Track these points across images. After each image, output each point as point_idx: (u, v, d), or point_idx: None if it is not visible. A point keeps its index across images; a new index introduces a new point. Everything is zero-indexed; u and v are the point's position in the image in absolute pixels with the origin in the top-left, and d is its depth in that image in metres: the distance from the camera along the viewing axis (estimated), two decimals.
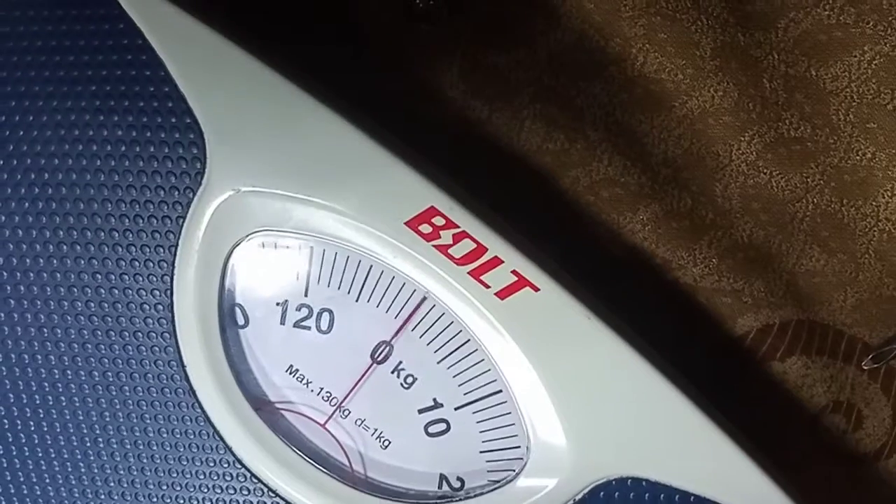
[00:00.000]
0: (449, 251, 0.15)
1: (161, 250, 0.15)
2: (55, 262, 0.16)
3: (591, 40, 0.19)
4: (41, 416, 0.17)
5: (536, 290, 0.15)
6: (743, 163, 0.19)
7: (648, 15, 0.18)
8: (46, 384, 0.17)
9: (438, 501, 0.17)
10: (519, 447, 0.16)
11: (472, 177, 0.18)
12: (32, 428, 0.17)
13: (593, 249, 0.20)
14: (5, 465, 0.18)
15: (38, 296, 0.16)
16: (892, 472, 0.20)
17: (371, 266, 0.16)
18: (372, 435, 0.17)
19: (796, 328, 0.19)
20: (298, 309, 0.16)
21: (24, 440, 0.18)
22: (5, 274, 0.16)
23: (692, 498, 0.16)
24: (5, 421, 0.17)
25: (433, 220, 0.15)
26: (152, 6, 0.15)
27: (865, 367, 0.19)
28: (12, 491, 0.18)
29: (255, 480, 0.17)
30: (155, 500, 0.18)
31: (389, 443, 0.17)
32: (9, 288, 0.16)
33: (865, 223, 0.19)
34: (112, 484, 0.18)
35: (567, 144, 0.19)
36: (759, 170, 0.19)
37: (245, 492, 0.17)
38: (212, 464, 0.17)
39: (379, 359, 0.17)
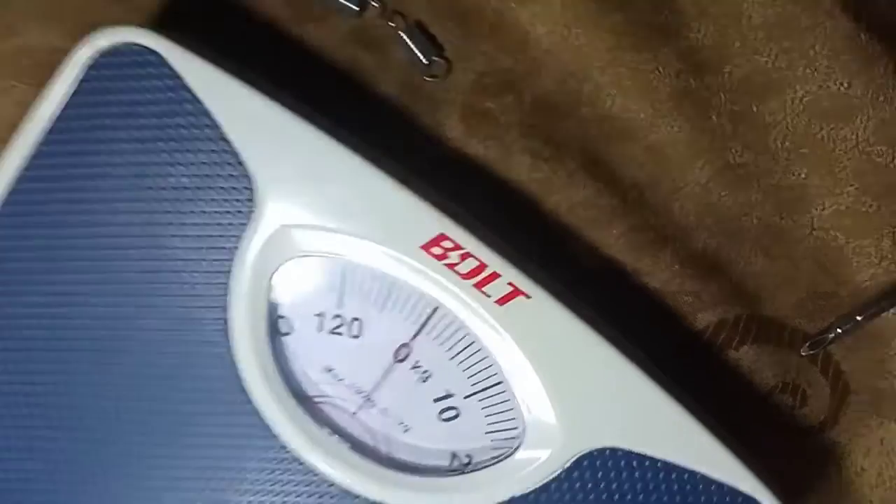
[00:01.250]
0: (456, 268, 0.18)
1: (219, 275, 0.19)
2: (135, 283, 0.19)
3: (568, 86, 0.22)
4: (112, 413, 0.20)
5: (528, 297, 0.18)
6: (697, 185, 0.22)
7: (615, 66, 0.22)
8: (119, 387, 0.20)
9: (450, 474, 0.20)
10: (517, 427, 0.20)
11: (472, 203, 0.21)
12: (100, 426, 0.20)
13: (575, 260, 0.23)
14: (71, 457, 0.21)
15: (117, 312, 0.19)
16: (833, 442, 0.23)
17: (393, 282, 0.19)
18: (394, 421, 0.20)
19: (747, 322, 0.22)
20: (333, 318, 0.20)
21: (89, 436, 0.21)
22: (96, 295, 0.19)
23: (659, 463, 0.19)
24: (81, 416, 0.20)
25: (443, 244, 0.18)
26: (205, 72, 0.18)
27: (804, 354, 0.22)
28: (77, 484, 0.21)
29: (299, 462, 0.20)
30: (212, 486, 0.21)
31: (409, 427, 0.20)
32: (98, 306, 0.19)
33: (801, 232, 0.22)
34: (169, 474, 0.21)
35: (550, 173, 0.22)
36: (711, 191, 0.22)
37: (290, 473, 0.20)
38: (261, 451, 0.20)
39: (400, 358, 0.20)
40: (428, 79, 0.22)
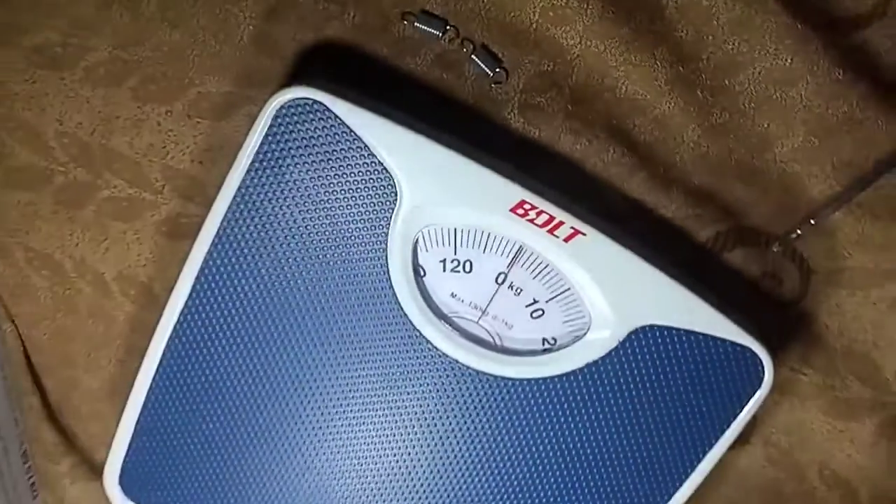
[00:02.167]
0: (534, 221, 0.26)
1: (381, 244, 0.27)
2: (328, 264, 0.27)
3: (594, 80, 0.28)
4: (306, 347, 0.28)
5: (585, 234, 0.26)
6: (691, 141, 0.29)
7: (626, 63, 0.28)
8: (316, 332, 0.28)
9: (542, 353, 0.28)
10: (585, 317, 0.27)
11: (537, 172, 0.28)
12: (296, 359, 0.28)
13: (612, 204, 0.29)
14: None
15: (317, 286, 0.27)
16: (805, 310, 0.30)
17: (490, 233, 0.27)
18: (501, 322, 0.28)
19: (735, 232, 0.29)
20: (451, 261, 0.27)
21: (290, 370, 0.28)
22: (301, 281, 0.27)
23: (682, 332, 0.27)
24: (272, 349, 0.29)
25: (524, 206, 0.26)
26: (353, 111, 0.26)
27: (776, 250, 0.29)
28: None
29: (441, 354, 0.28)
30: (371, 390, 0.29)
31: (511, 325, 0.28)
32: (295, 282, 0.28)
33: (768, 166, 0.29)
34: (339, 382, 0.29)
35: (587, 144, 0.29)
36: (701, 144, 0.29)
37: (434, 364, 0.28)
38: (414, 351, 0.28)
39: (500, 282, 0.28)
40: (493, 86, 0.29)
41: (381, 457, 0.30)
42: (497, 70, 0.29)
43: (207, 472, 0.31)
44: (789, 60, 0.28)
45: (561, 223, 0.26)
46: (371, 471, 0.30)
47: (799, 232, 0.29)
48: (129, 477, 0.31)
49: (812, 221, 0.29)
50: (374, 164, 0.27)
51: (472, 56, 0.29)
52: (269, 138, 0.27)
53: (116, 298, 0.32)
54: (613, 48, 0.28)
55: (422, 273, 0.28)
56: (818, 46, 0.28)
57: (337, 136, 0.26)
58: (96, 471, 0.34)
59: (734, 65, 0.28)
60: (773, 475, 0.32)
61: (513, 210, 0.26)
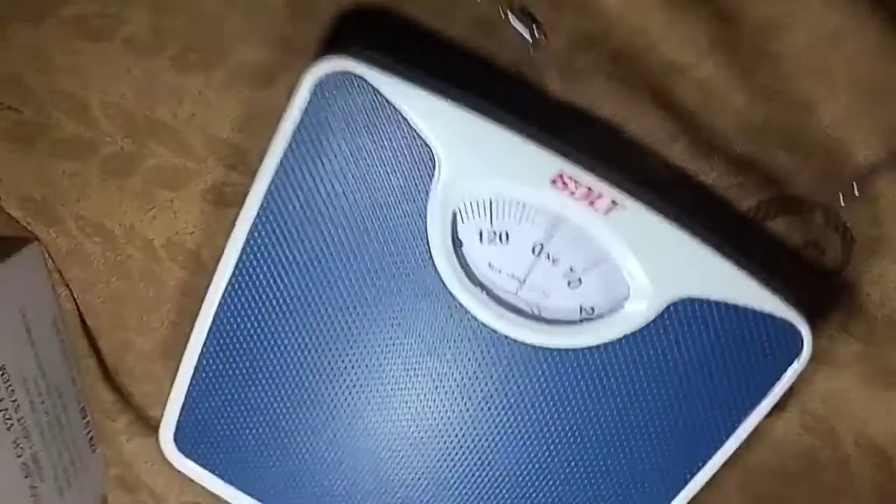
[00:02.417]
0: (573, 193, 0.26)
1: (419, 212, 0.27)
2: (370, 227, 0.28)
3: (634, 41, 0.27)
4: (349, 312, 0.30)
5: (625, 207, 0.25)
6: (732, 106, 0.28)
7: (668, 25, 0.27)
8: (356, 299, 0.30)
9: (580, 322, 0.28)
10: (622, 286, 0.27)
11: (577, 140, 0.27)
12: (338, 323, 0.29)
13: (654, 172, 0.28)
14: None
15: (359, 253, 0.28)
16: (847, 279, 0.30)
17: (527, 205, 0.27)
18: (539, 292, 0.28)
19: (777, 201, 0.28)
20: (489, 233, 0.28)
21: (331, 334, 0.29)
22: (343, 248, 0.28)
23: (721, 304, 0.26)
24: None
25: (563, 178, 0.26)
26: (390, 81, 0.26)
27: (818, 218, 0.28)
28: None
29: (480, 323, 0.28)
30: (411, 357, 0.29)
31: (549, 294, 0.28)
32: (345, 253, 0.28)
33: (811, 131, 0.27)
34: (377, 345, 0.30)
35: (627, 108, 0.28)
36: (742, 109, 0.27)
37: (471, 332, 0.29)
38: (452, 321, 0.29)
39: (537, 252, 0.28)
40: (531, 49, 0.28)
41: (420, 420, 0.31)
42: (535, 33, 0.28)
43: (256, 430, 0.32)
44: (836, 21, 0.27)
45: (600, 196, 0.26)
46: (411, 434, 0.31)
47: (842, 200, 0.28)
48: (182, 433, 0.33)
49: (856, 189, 0.28)
50: (412, 135, 0.27)
51: (509, 17, 0.28)
52: (309, 111, 0.27)
53: (165, 264, 0.33)
54: (655, 9, 0.27)
55: (459, 244, 0.28)
56: (866, 6, 0.26)
57: (374, 107, 0.26)
58: (151, 427, 0.36)
59: (778, 25, 0.27)
60: (809, 442, 0.33)
61: (551, 182, 0.26)
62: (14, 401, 0.33)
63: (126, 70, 0.31)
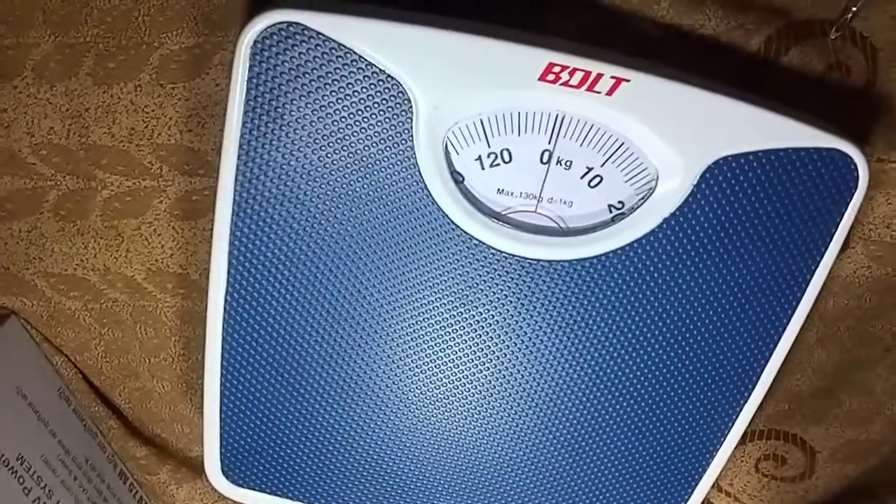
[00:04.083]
0: (569, 83, 0.23)
1: (408, 157, 0.24)
2: (359, 188, 0.25)
3: None
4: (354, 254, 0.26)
5: (628, 80, 0.23)
6: None
7: None
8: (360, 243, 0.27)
9: (614, 221, 0.25)
10: (648, 169, 0.25)
11: (551, 27, 0.25)
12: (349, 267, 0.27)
13: (645, 36, 0.26)
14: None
15: (352, 203, 0.25)
16: (878, 94, 0.27)
17: (522, 112, 0.24)
18: (560, 203, 0.25)
19: (786, 31, 0.26)
20: (488, 156, 0.25)
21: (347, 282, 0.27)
22: (334, 204, 0.25)
23: (761, 153, 0.24)
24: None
25: (553, 70, 0.23)
26: (333, 21, 0.23)
27: (834, 37, 0.26)
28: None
29: (506, 256, 0.26)
30: (441, 314, 0.27)
31: (572, 202, 0.25)
32: (336, 208, 0.25)
33: None
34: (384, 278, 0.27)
35: None
36: None
37: (499, 268, 0.26)
38: (476, 262, 0.26)
39: (545, 161, 0.25)
40: None
41: (468, 376, 0.29)
42: None
43: (301, 436, 0.30)
44: None
45: (599, 76, 0.23)
46: (461, 393, 0.29)
47: (854, 9, 0.25)
48: (229, 464, 0.31)
49: None
50: (375, 74, 0.24)
51: None
52: (255, 80, 0.24)
53: (156, 297, 0.31)
54: None
55: (460, 179, 0.26)
56: None
57: (325, 56, 0.23)
58: (196, 469, 0.33)
59: None
60: (881, 273, 0.30)
61: (541, 78, 0.23)
62: (44, 487, 0.30)
63: (47, 101, 0.27)
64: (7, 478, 0.29)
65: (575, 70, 0.23)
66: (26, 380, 0.31)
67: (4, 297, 0.31)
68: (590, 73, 0.23)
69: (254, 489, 0.31)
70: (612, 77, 0.23)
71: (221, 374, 0.29)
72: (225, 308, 0.28)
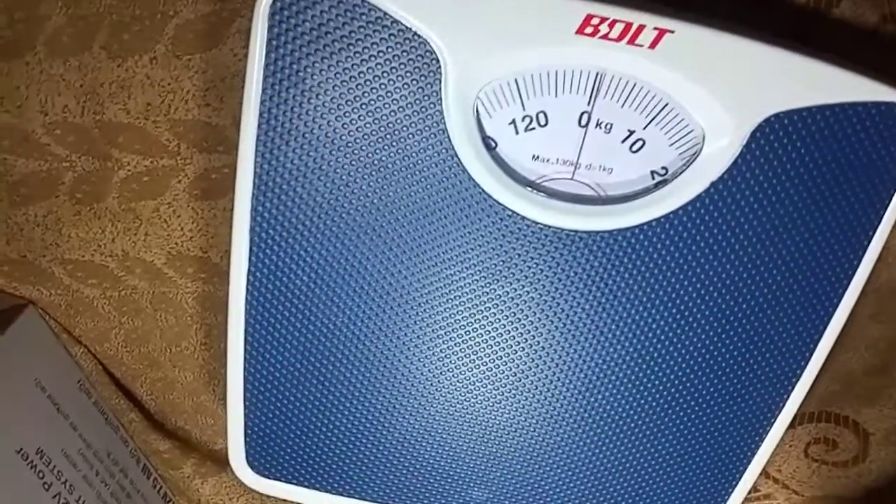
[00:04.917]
0: (609, 35, 0.22)
1: (436, 121, 0.23)
2: (386, 157, 0.24)
3: None
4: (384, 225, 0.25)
5: (673, 31, 0.21)
6: None
7: None
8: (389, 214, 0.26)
9: (657, 188, 0.24)
10: (694, 131, 0.23)
11: None
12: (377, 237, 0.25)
13: None
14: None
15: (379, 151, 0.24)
16: None
17: (557, 70, 0.23)
18: (599, 170, 0.24)
19: None
20: (523, 119, 0.24)
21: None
22: (359, 170, 0.24)
23: (815, 109, 0.22)
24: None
25: (592, 22, 0.21)
26: None
27: None
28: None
29: (542, 227, 0.24)
30: (476, 290, 0.25)
31: (612, 168, 0.24)
32: (365, 159, 0.24)
33: None
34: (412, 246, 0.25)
35: None
36: None
37: (535, 239, 0.25)
38: (511, 234, 0.25)
39: (584, 123, 0.23)
40: None
41: (501, 356, 0.27)
42: None
43: (330, 425, 0.29)
44: None
45: (641, 27, 0.22)
46: (494, 375, 0.28)
47: None
48: (255, 455, 0.30)
49: None
50: (401, 33, 0.22)
51: None
52: (273, 44, 0.23)
53: (176, 282, 0.29)
54: None
55: (493, 145, 0.24)
56: None
57: (350, 12, 0.22)
58: (221, 461, 0.32)
59: None
60: None
61: (579, 31, 0.22)
62: (65, 482, 0.29)
63: (60, 78, 0.26)
64: (27, 473, 0.28)
65: (615, 22, 0.22)
66: (45, 372, 0.30)
67: (22, 286, 0.30)
68: (631, 24, 0.22)
69: (281, 480, 0.30)
70: (656, 28, 0.22)
71: (245, 361, 0.28)
72: (247, 290, 0.26)
